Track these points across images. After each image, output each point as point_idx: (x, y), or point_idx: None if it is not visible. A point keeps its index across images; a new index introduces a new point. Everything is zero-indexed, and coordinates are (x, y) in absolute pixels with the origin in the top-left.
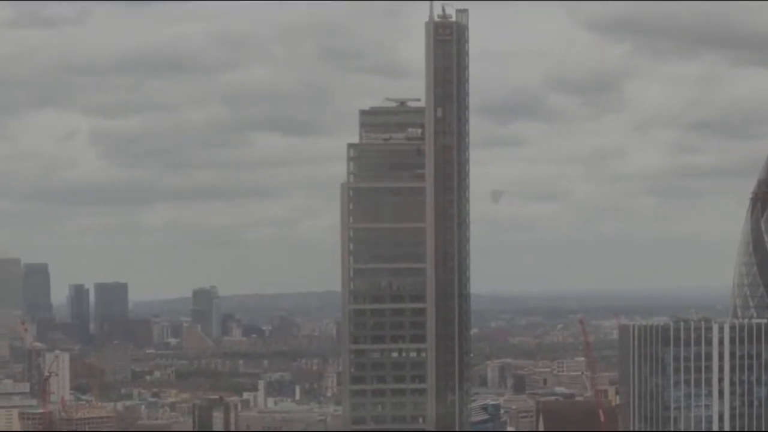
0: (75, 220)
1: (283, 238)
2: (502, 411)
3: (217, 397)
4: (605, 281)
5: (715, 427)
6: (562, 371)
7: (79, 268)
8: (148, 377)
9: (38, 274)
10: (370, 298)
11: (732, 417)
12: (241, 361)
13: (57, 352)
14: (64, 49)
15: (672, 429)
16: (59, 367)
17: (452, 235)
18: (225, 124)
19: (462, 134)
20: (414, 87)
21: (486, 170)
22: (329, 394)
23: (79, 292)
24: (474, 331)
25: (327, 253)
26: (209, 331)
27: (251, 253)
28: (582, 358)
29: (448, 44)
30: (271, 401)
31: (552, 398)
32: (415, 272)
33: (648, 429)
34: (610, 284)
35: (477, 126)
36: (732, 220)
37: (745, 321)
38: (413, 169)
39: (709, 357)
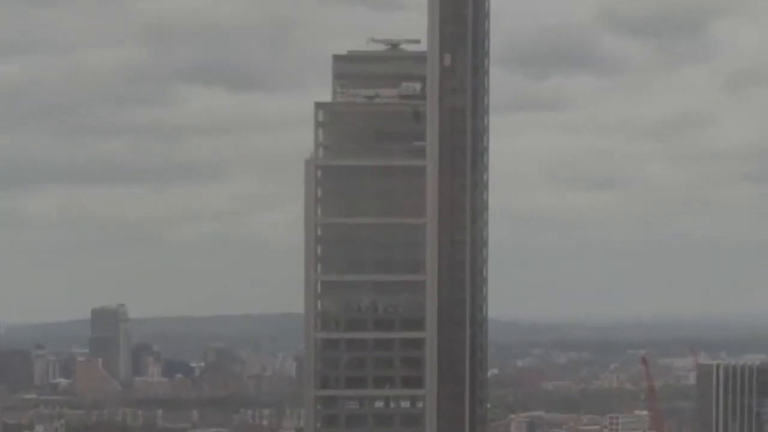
0: None
1: (224, 237)
2: None
3: None
4: (680, 304)
5: None
6: (617, 429)
7: None
8: None
9: None
10: (345, 324)
11: None
12: (160, 411)
13: None
14: None
15: None
16: None
17: (463, 235)
18: (143, 72)
19: (479, 92)
20: (411, 23)
21: (512, 144)
22: None
23: None
24: (492, 372)
25: (285, 260)
26: (115, 369)
27: (177, 259)
28: (644, 412)
29: None
30: None
31: None
32: (409, 287)
33: None
34: (687, 308)
35: (501, 81)
36: None
37: None
38: (409, 140)
39: None
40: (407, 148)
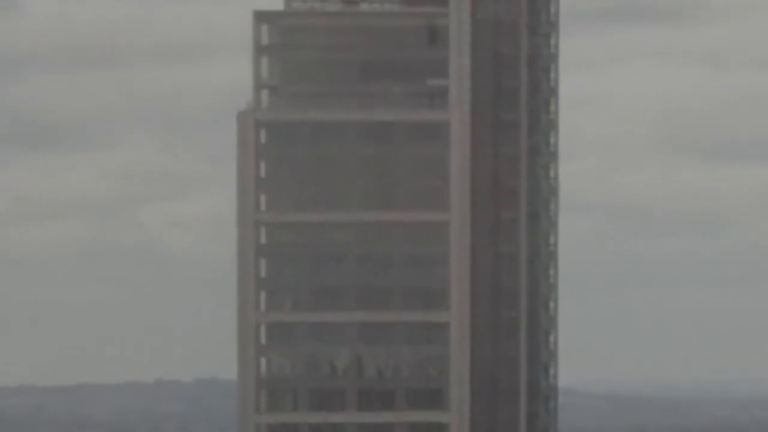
0: None
1: (99, 245)
2: None
3: None
4: None
5: None
6: None
7: None
8: None
9: None
10: (308, 398)
11: None
12: None
13: None
14: None
15: None
16: None
17: (515, 243)
18: None
19: None
20: None
21: (603, 83)
22: None
23: None
24: None
25: (204, 286)
26: None
27: (17, 286)
28: None
29: None
30: None
31: None
32: (421, 334)
33: None
34: None
35: None
36: None
37: None
38: (419, 77)
39: None
40: (416, 91)
